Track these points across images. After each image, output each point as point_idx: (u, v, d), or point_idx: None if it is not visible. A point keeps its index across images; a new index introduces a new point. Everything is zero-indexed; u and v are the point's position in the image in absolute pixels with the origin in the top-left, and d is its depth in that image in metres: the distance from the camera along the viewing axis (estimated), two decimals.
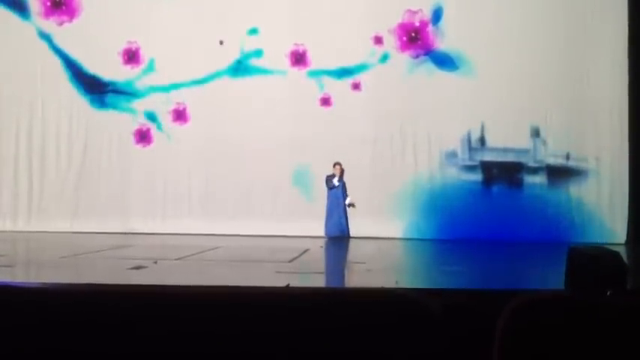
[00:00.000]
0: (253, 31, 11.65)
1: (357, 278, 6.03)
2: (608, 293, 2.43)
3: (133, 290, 1.27)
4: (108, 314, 1.19)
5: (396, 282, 5.79)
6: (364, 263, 7.42)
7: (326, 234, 10.79)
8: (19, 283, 5.20)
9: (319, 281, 5.70)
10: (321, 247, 9.12)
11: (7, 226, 11.58)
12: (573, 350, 1.17)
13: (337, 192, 10.88)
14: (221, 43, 11.62)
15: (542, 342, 1.16)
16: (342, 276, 6.29)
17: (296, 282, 5.17)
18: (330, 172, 11.04)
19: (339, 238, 10.63)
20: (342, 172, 10.93)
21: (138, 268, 6.05)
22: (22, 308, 1.19)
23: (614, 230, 11.02)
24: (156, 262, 6.58)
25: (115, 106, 11.90)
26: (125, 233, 11.01)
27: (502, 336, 1.17)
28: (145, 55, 11.80)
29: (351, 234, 10.86)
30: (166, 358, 1.16)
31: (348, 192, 11.02)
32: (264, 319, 1.18)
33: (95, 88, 11.88)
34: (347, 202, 10.88)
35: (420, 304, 1.16)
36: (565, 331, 1.17)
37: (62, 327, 1.17)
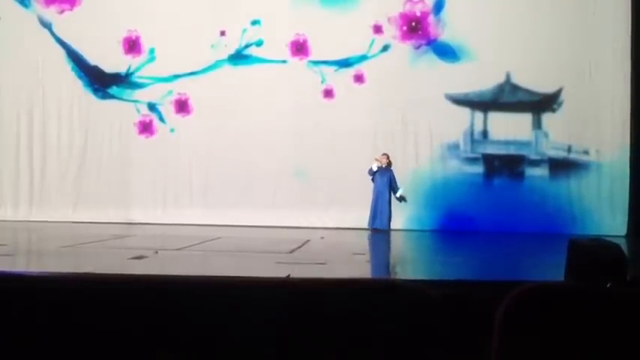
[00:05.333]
0: (254, 21, 11.61)
1: (357, 269, 6.04)
2: (608, 285, 2.43)
3: (134, 280, 1.27)
4: (109, 304, 1.19)
5: (395, 273, 5.80)
6: (365, 254, 7.44)
7: (368, 226, 10.74)
8: (20, 272, 5.21)
9: (320, 272, 5.70)
10: (322, 238, 9.13)
11: (9, 215, 11.59)
12: (572, 341, 1.17)
13: (378, 184, 10.77)
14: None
15: (541, 333, 1.16)
16: (343, 267, 6.29)
17: (296, 273, 5.18)
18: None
19: (377, 231, 10.59)
20: (388, 162, 10.79)
21: (139, 258, 6.06)
22: (23, 297, 1.20)
23: (615, 222, 11.02)
24: (157, 252, 6.59)
25: (117, 97, 11.88)
26: (126, 223, 11.02)
27: (501, 326, 1.17)
28: (145, 44, 11.77)
29: (353, 225, 10.82)
30: (166, 348, 1.17)
31: (349, 183, 10.99)
32: (265, 309, 1.18)
33: (97, 79, 11.86)
34: (398, 194, 10.77)
35: (419, 294, 1.16)
36: (564, 322, 1.17)
37: (63, 316, 1.17)
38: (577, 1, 11.43)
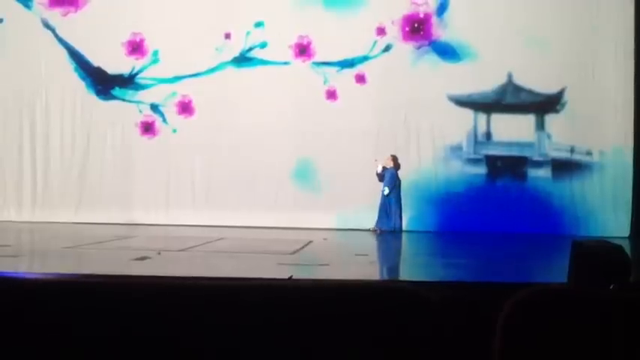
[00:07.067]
0: (258, 23, 11.62)
1: (359, 270, 6.04)
2: (612, 287, 2.43)
3: (137, 281, 1.27)
4: (111, 305, 1.19)
5: (398, 274, 5.80)
6: (367, 255, 7.44)
7: (375, 227, 10.78)
8: (22, 274, 5.22)
9: (321, 273, 5.70)
10: (325, 239, 9.13)
11: (12, 216, 11.62)
12: (575, 344, 1.17)
13: (383, 184, 10.82)
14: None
15: (544, 335, 1.16)
16: (345, 268, 6.29)
17: (298, 274, 5.18)
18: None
19: (384, 232, 10.60)
20: (395, 165, 10.84)
21: (142, 259, 6.07)
22: (25, 299, 1.20)
23: (618, 223, 10.99)
24: (159, 253, 6.60)
25: (119, 98, 11.89)
26: (129, 224, 11.03)
27: (503, 329, 1.17)
28: (149, 46, 11.78)
29: (356, 226, 10.81)
30: (168, 349, 1.17)
31: (352, 184, 10.99)
32: (267, 310, 1.18)
33: (100, 80, 11.87)
34: (384, 192, 10.78)
35: (420, 296, 1.16)
36: (567, 324, 1.17)
37: (65, 318, 1.17)
38: (580, 1, 11.42)
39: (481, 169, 11.54)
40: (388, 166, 10.87)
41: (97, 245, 7.72)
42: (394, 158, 10.95)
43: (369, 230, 10.75)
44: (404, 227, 10.97)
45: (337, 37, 11.35)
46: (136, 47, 11.78)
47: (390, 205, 10.77)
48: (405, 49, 11.56)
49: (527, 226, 10.72)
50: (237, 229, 10.37)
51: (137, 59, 11.80)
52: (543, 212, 11.05)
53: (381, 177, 10.92)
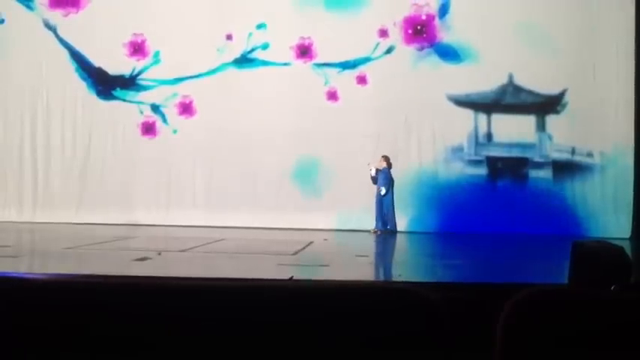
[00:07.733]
0: (260, 25, 11.63)
1: (360, 271, 6.04)
2: (612, 288, 2.42)
3: (137, 282, 1.27)
4: (111, 306, 1.19)
5: (399, 275, 5.80)
6: (367, 256, 7.44)
7: (373, 228, 10.86)
8: (23, 274, 5.23)
9: (322, 274, 5.70)
10: (325, 239, 9.13)
11: (13, 216, 11.61)
12: (576, 345, 1.17)
13: (379, 186, 10.87)
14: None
15: (544, 336, 1.16)
16: (345, 269, 6.29)
17: (299, 275, 5.18)
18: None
19: (381, 232, 10.67)
20: (387, 164, 10.93)
21: (142, 259, 6.07)
22: (26, 300, 1.20)
23: (619, 224, 10.98)
24: (160, 254, 6.61)
25: (120, 98, 11.89)
26: (129, 225, 11.03)
27: (504, 330, 1.17)
28: (150, 47, 11.79)
29: (357, 227, 10.82)
30: (168, 349, 1.17)
31: (352, 184, 11.00)
32: (268, 312, 1.18)
33: (101, 80, 11.88)
34: (381, 192, 10.86)
35: (421, 297, 1.16)
36: (568, 325, 1.17)
37: (65, 318, 1.17)
38: (580, 2, 11.42)
39: (482, 170, 11.54)
40: (381, 167, 10.93)
41: (97, 246, 7.72)
42: (386, 158, 11.02)
43: (369, 231, 10.76)
44: (405, 228, 11.01)
45: (339, 38, 11.35)
46: (137, 48, 11.79)
47: (383, 205, 10.83)
48: (406, 50, 11.56)
49: (528, 227, 10.71)
50: (237, 229, 10.37)
51: (138, 60, 11.80)
52: (544, 213, 11.03)
53: (375, 180, 10.97)
